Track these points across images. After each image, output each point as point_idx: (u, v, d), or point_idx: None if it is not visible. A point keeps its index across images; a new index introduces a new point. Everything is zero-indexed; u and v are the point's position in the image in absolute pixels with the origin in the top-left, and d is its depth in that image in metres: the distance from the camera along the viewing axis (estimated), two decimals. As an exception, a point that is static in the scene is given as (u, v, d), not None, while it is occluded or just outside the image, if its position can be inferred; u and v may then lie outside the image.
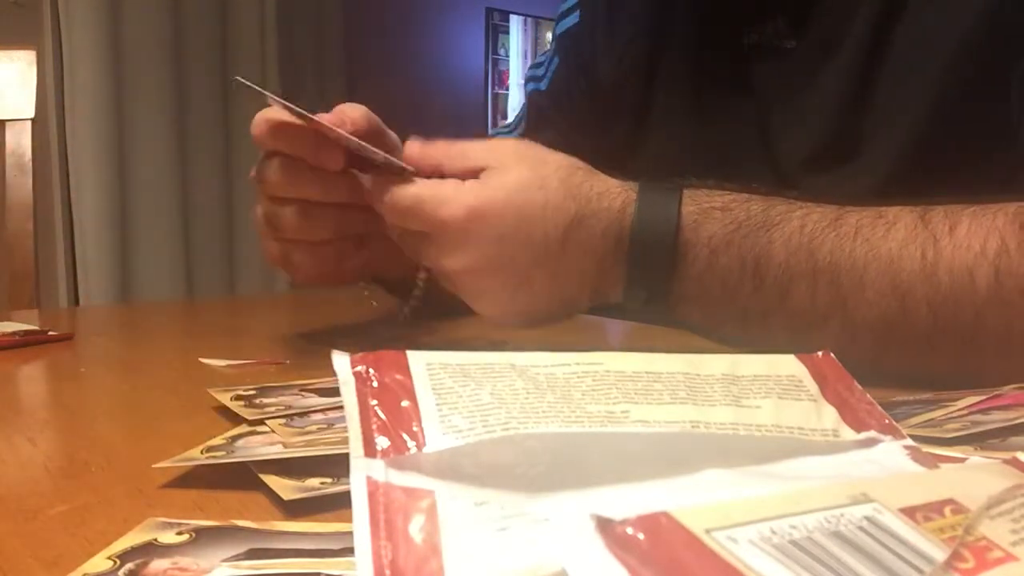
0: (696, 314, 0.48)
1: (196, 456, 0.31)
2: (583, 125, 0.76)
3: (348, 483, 0.27)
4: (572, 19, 0.78)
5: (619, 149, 0.73)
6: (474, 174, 0.47)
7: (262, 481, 0.28)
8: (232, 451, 0.31)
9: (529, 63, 3.65)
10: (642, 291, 0.47)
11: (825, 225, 0.45)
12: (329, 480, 0.28)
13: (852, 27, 0.56)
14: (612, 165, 0.50)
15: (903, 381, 0.40)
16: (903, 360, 0.43)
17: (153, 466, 0.30)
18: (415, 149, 0.50)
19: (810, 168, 0.58)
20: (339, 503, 0.26)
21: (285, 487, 0.28)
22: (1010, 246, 0.40)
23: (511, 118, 0.87)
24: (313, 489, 0.27)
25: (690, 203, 0.47)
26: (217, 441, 0.33)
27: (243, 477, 0.29)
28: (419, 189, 0.47)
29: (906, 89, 0.54)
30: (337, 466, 0.28)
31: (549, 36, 3.85)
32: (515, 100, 3.58)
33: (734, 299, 0.46)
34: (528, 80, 0.83)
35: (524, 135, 0.81)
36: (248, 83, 0.51)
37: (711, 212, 0.47)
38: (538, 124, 0.80)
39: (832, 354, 0.32)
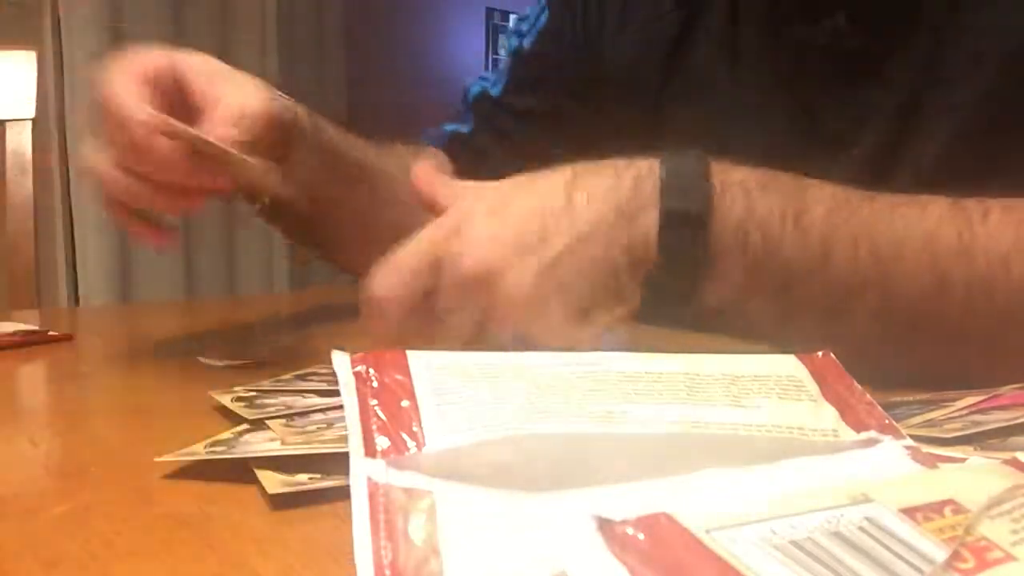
0: (737, 272, 0.42)
1: (198, 451, 0.31)
2: (575, 95, 0.73)
3: (336, 479, 0.27)
4: None
5: (627, 132, 0.71)
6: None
7: (259, 477, 0.29)
8: (234, 446, 0.32)
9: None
10: (677, 240, 0.41)
11: (860, 197, 0.43)
12: (318, 476, 0.28)
13: (918, 19, 0.56)
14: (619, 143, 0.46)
15: (903, 381, 0.40)
16: (934, 347, 0.42)
17: (156, 459, 0.30)
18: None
19: (868, 165, 0.58)
20: (325, 498, 0.27)
21: (273, 481, 0.28)
22: None
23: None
24: (300, 484, 0.28)
25: (714, 163, 0.43)
26: (220, 436, 0.33)
27: (246, 474, 0.29)
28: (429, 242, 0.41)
29: (967, 78, 0.54)
30: (331, 463, 0.28)
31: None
32: (515, 100, 3.57)
33: (777, 252, 0.42)
34: (512, 33, 0.79)
35: (502, 96, 0.76)
36: None
37: (738, 167, 0.44)
38: (522, 87, 0.76)
39: (831, 354, 0.32)
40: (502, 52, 3.52)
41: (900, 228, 0.42)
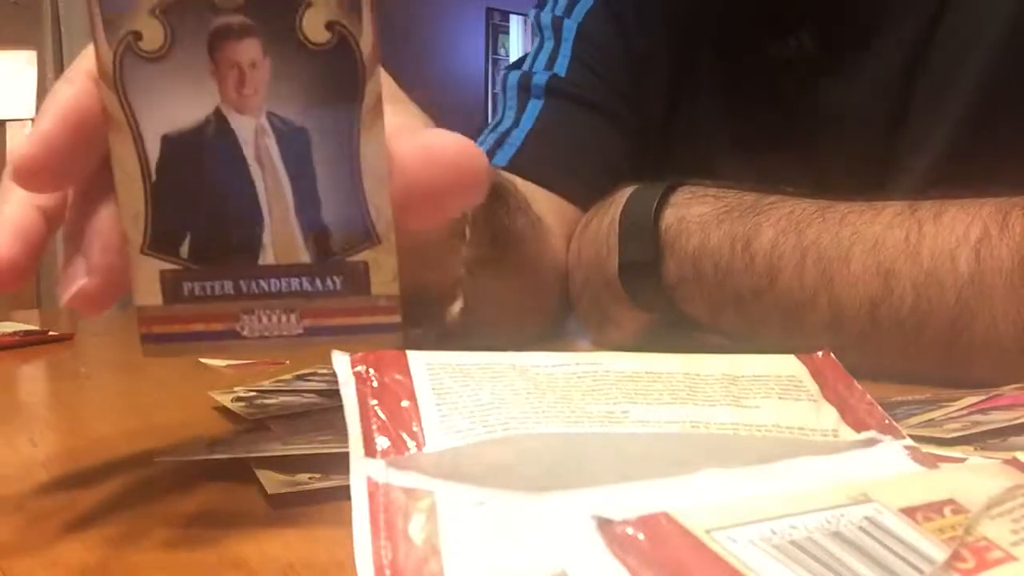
0: (695, 299, 0.50)
1: (198, 451, 0.31)
2: (623, 99, 0.73)
3: (336, 479, 0.27)
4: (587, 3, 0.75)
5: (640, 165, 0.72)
6: None
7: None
8: (234, 446, 0.32)
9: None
10: (638, 271, 0.50)
11: (813, 211, 0.47)
12: (318, 476, 0.28)
13: (894, 27, 0.57)
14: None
15: (902, 381, 0.40)
16: (889, 347, 0.44)
17: (155, 460, 0.30)
18: None
19: (855, 167, 0.59)
20: (325, 498, 0.27)
21: (273, 481, 0.28)
22: (992, 232, 0.41)
23: (504, 118, 0.76)
24: (300, 484, 0.28)
25: (683, 190, 0.50)
26: (220, 436, 0.33)
27: (246, 474, 0.29)
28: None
29: (952, 79, 0.55)
30: (331, 463, 0.28)
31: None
32: (515, 100, 3.57)
33: (727, 279, 0.48)
34: (531, 72, 0.77)
35: (549, 126, 0.72)
36: None
37: (703, 197, 0.50)
38: (569, 107, 0.74)
39: (831, 353, 0.32)
40: (502, 52, 3.52)
41: (847, 236, 0.45)
